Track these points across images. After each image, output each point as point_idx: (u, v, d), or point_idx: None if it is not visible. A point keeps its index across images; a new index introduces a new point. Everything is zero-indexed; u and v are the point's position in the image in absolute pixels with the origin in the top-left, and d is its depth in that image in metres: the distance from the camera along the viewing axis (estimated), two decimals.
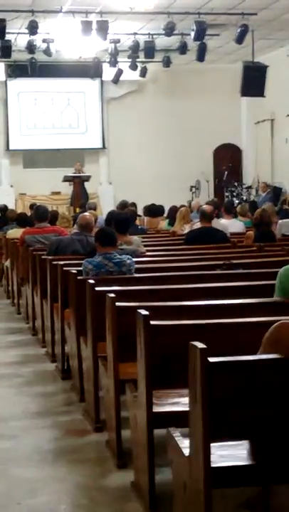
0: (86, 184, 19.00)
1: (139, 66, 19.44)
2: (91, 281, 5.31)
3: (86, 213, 9.08)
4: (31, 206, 14.67)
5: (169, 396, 4.03)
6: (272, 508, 3.69)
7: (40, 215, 9.44)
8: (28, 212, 13.88)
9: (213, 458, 2.94)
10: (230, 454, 3.15)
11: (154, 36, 17.21)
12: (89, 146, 21.63)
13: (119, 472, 4.38)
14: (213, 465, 2.93)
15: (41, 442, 4.96)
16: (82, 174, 19.03)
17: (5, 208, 15.71)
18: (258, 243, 8.43)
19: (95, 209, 13.54)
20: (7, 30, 15.37)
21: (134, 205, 13.96)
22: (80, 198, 18.00)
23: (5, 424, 5.39)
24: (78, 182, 18.59)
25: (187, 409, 3.09)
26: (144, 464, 3.85)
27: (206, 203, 11.22)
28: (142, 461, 3.91)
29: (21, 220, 11.58)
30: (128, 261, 5.99)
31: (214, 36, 17.17)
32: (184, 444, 3.19)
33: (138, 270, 6.12)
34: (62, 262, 6.78)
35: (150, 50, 17.46)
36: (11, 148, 21.14)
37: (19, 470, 4.48)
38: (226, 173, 21.33)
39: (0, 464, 4.58)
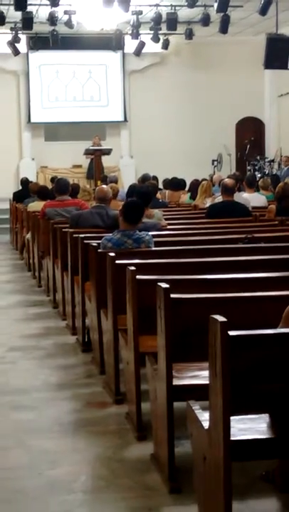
0: (107, 157, 18.94)
1: (162, 38, 19.29)
2: (111, 254, 5.30)
3: (104, 186, 9.06)
4: (52, 179, 14.66)
5: (189, 369, 4.03)
6: None
7: (61, 188, 9.43)
8: (49, 185, 13.90)
9: (232, 431, 2.94)
10: (249, 427, 3.15)
11: (177, 8, 17.06)
12: (110, 119, 21.54)
13: (138, 444, 4.40)
14: (232, 438, 2.93)
15: (62, 414, 4.99)
16: (102, 147, 18.96)
17: (26, 180, 15.74)
18: (279, 217, 8.37)
19: (116, 182, 13.51)
20: (29, 2, 15.28)
21: (155, 178, 13.91)
22: (101, 172, 17.97)
23: (26, 395, 5.43)
24: (99, 155, 18.53)
25: (207, 382, 3.09)
26: (163, 436, 3.86)
27: (228, 177, 11.15)
28: (161, 434, 3.93)
29: (42, 193, 11.58)
30: (147, 237, 5.95)
31: (237, 8, 16.96)
32: (204, 417, 3.20)
33: (159, 244, 6.10)
34: (82, 235, 6.78)
35: (172, 22, 17.30)
36: (32, 121, 21.10)
37: (40, 441, 4.51)
38: (248, 146, 21.18)
39: (21, 435, 4.62)
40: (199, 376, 3.88)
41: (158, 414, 4.01)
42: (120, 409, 4.99)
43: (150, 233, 6.12)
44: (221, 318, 2.92)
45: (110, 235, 6.00)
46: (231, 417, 2.93)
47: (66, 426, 4.78)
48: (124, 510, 3.60)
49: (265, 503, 3.63)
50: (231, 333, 2.90)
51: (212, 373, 3.00)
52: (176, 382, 3.83)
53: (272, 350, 3.01)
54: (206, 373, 3.14)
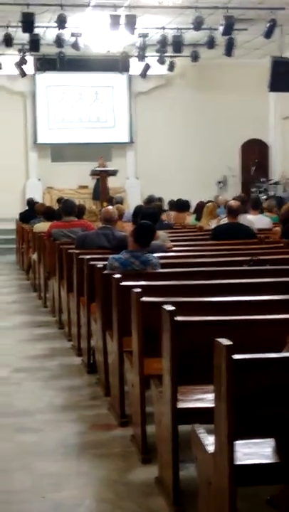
0: (113, 178, 19.02)
1: (167, 60, 19.42)
2: (117, 276, 5.31)
3: (109, 207, 9.10)
4: (58, 200, 14.71)
5: (194, 392, 4.02)
6: None
7: (67, 209, 9.47)
8: (55, 206, 13.94)
9: (237, 455, 2.93)
10: (254, 451, 3.14)
11: (183, 31, 17.18)
12: (116, 140, 21.65)
13: (143, 467, 4.39)
14: (237, 462, 2.93)
15: (66, 436, 4.98)
16: (108, 168, 19.05)
17: (32, 201, 15.80)
18: (284, 239, 8.38)
19: (121, 203, 13.55)
20: (36, 24, 15.42)
21: (160, 199, 13.96)
22: (107, 193, 18.03)
23: (30, 417, 5.42)
24: (105, 176, 18.61)
25: (212, 405, 3.08)
26: (168, 459, 3.85)
27: (233, 199, 11.17)
28: (166, 457, 3.91)
29: (48, 214, 11.62)
30: (154, 260, 5.97)
31: (242, 31, 17.09)
32: (209, 441, 3.19)
33: (164, 265, 6.11)
34: (88, 256, 6.80)
35: (178, 45, 17.43)
36: (39, 141, 21.23)
37: (44, 464, 4.50)
38: (253, 168, 21.25)
39: (25, 458, 4.61)
40: (204, 399, 3.87)
41: (163, 437, 4.00)
42: (125, 431, 4.98)
43: (156, 255, 6.13)
44: (225, 342, 2.92)
45: (118, 255, 6.01)
46: (236, 441, 2.93)
47: (71, 448, 4.77)
48: None
49: None
50: (236, 356, 2.90)
51: (217, 397, 3.00)
52: (180, 405, 3.82)
53: (278, 374, 3.01)
54: (211, 396, 3.14)
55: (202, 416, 3.53)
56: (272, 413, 3.03)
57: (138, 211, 9.04)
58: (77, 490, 4.10)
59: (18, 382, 6.41)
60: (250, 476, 3.06)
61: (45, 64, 19.87)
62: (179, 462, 3.81)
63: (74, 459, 4.58)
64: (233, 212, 8.89)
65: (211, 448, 3.12)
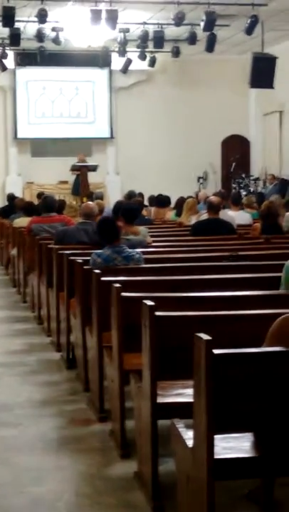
0: (93, 174, 18.98)
1: (148, 56, 19.37)
2: (97, 271, 5.30)
3: (90, 202, 9.08)
4: (39, 195, 14.66)
5: (174, 387, 4.03)
6: (276, 501, 3.69)
7: (47, 205, 9.45)
8: (36, 201, 13.87)
9: (216, 450, 2.94)
10: (233, 446, 3.16)
11: (164, 26, 17.14)
12: (97, 135, 21.60)
13: (122, 462, 4.39)
14: (216, 457, 2.94)
15: (45, 431, 4.97)
16: (89, 164, 19.00)
17: (12, 196, 15.72)
18: (264, 235, 8.41)
19: (102, 198, 13.52)
20: (16, 18, 15.33)
21: (141, 195, 13.95)
22: (87, 188, 17.99)
23: (9, 412, 5.40)
24: (85, 171, 18.57)
25: (191, 400, 3.09)
26: (147, 454, 3.86)
27: (213, 194, 11.20)
28: (145, 452, 3.92)
29: (28, 209, 11.57)
30: (137, 255, 5.96)
31: (224, 27, 17.08)
32: (188, 436, 3.20)
33: (144, 261, 6.10)
34: (68, 252, 6.78)
35: (159, 40, 17.40)
36: (19, 136, 21.14)
37: (23, 458, 4.49)
38: (234, 164, 21.28)
39: (4, 452, 4.60)
40: (184, 394, 3.88)
41: (142, 432, 4.01)
42: (104, 426, 4.98)
43: (138, 250, 6.13)
44: (205, 337, 2.93)
45: (100, 250, 6.00)
46: (215, 436, 2.94)
47: (50, 443, 4.76)
48: None
49: None
50: (216, 351, 2.91)
51: (196, 391, 3.01)
52: (160, 400, 3.83)
53: (257, 369, 3.02)
54: (190, 391, 3.15)
55: (181, 411, 3.55)
56: (251, 408, 3.04)
57: (118, 207, 9.04)
58: (56, 484, 4.10)
59: None
60: (228, 470, 3.08)
61: (26, 58, 19.79)
62: (158, 457, 3.82)
63: (53, 454, 4.58)
64: (213, 208, 8.90)
65: (190, 442, 3.13)
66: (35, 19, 15.54)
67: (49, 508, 3.81)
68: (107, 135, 21.69)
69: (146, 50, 18.74)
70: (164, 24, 17.00)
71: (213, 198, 9.26)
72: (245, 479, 3.60)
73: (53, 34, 17.09)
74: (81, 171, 18.54)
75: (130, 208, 7.69)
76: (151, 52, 19.12)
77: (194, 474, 3.07)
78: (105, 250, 5.94)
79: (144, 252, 6.43)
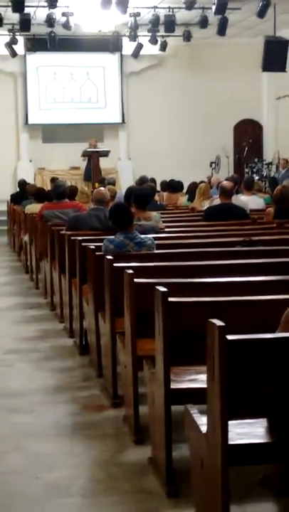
0: (105, 159, 18.94)
1: (159, 40, 19.27)
2: (109, 257, 5.30)
3: (101, 188, 9.06)
4: (52, 179, 14.63)
5: (187, 373, 4.02)
6: None
7: (59, 193, 9.44)
8: (48, 186, 13.84)
9: (230, 435, 2.93)
10: (247, 431, 3.15)
11: (175, 10, 17.05)
12: (108, 120, 21.52)
13: (136, 448, 4.40)
14: (230, 442, 2.93)
15: (59, 417, 4.98)
16: (100, 149, 18.96)
17: (24, 182, 15.72)
18: (277, 220, 8.37)
19: (114, 184, 13.50)
20: (26, 4, 15.26)
21: (153, 180, 13.91)
22: (99, 174, 17.96)
23: (23, 398, 5.42)
24: (96, 157, 18.53)
25: (205, 386, 3.08)
26: (161, 439, 3.86)
27: (226, 179, 11.15)
28: (159, 437, 3.92)
29: (39, 195, 11.57)
30: (149, 241, 5.94)
31: (235, 10, 16.95)
32: (202, 421, 3.19)
33: (157, 246, 6.09)
34: (80, 238, 6.77)
35: (170, 24, 17.31)
36: (30, 122, 21.09)
37: (37, 444, 4.51)
38: (246, 149, 21.17)
39: (18, 439, 4.61)
40: (197, 380, 3.87)
41: (156, 417, 4.00)
42: (118, 412, 4.98)
43: (151, 236, 6.11)
44: (218, 323, 2.91)
45: (112, 236, 5.98)
46: (229, 422, 2.93)
47: (63, 429, 4.77)
48: None
49: (263, 507, 3.63)
50: (229, 337, 2.90)
51: (210, 377, 3.00)
52: (173, 385, 3.82)
53: (271, 355, 3.01)
54: (203, 377, 3.14)
55: (195, 396, 3.54)
56: (265, 393, 3.03)
57: (130, 192, 9.01)
58: (70, 470, 4.11)
59: (11, 363, 6.41)
60: (243, 456, 3.07)
61: (36, 44, 19.70)
62: (172, 442, 3.82)
63: (67, 440, 4.59)
64: (226, 193, 8.86)
65: (203, 428, 3.12)
66: (45, 4, 15.48)
67: (63, 493, 3.82)
68: (119, 120, 21.62)
69: (158, 34, 18.63)
70: (175, 8, 16.90)
71: (225, 183, 9.21)
72: (259, 465, 3.60)
73: (63, 19, 17.01)
74: (92, 157, 18.50)
75: (142, 194, 7.66)
76: (163, 36, 19.00)
77: (208, 460, 3.06)
78: (117, 236, 5.93)
79: (156, 238, 6.41)
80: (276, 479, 3.67)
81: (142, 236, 5.95)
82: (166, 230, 7.74)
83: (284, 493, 3.65)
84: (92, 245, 6.07)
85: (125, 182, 18.59)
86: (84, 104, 21.34)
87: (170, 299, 3.80)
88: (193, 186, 12.48)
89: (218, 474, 2.93)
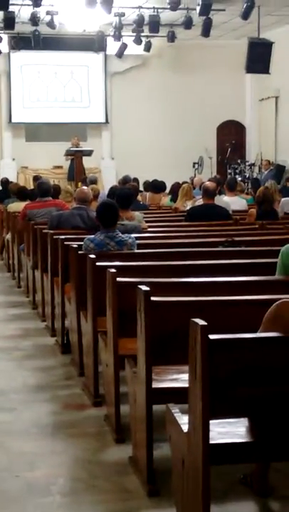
0: (88, 159, 18.91)
1: (144, 40, 19.27)
2: (92, 256, 5.29)
3: (84, 187, 9.04)
4: (35, 178, 14.60)
5: (169, 372, 4.03)
6: (270, 486, 3.71)
7: (43, 190, 9.41)
8: (31, 185, 13.79)
9: (211, 434, 2.94)
10: (228, 431, 3.16)
11: (159, 10, 17.06)
12: (92, 120, 21.50)
13: (117, 446, 4.40)
14: (211, 442, 2.94)
15: (40, 416, 4.97)
16: (83, 148, 18.93)
17: (6, 181, 15.67)
18: (260, 221, 8.41)
19: (95, 183, 13.47)
20: (11, 2, 15.20)
21: (136, 180, 13.91)
22: (82, 173, 17.93)
23: (4, 397, 5.40)
24: (80, 156, 18.50)
25: (186, 385, 3.09)
26: (142, 439, 3.86)
27: (209, 180, 11.17)
28: (140, 436, 3.92)
29: (21, 194, 11.55)
30: (130, 240, 5.95)
31: (220, 11, 17.00)
32: (183, 421, 3.20)
33: (139, 246, 6.10)
34: (63, 237, 6.77)
35: (155, 25, 17.31)
36: (13, 121, 21.02)
37: (18, 443, 4.49)
38: (229, 150, 21.23)
39: None
40: (179, 379, 3.88)
41: (137, 416, 4.01)
42: (99, 411, 4.98)
43: (132, 235, 6.11)
44: (201, 322, 2.92)
45: (93, 236, 5.98)
46: (210, 421, 2.93)
47: (44, 428, 4.76)
48: None
49: (243, 506, 3.64)
50: (211, 336, 2.91)
51: (192, 377, 3.00)
52: (155, 385, 3.83)
53: (252, 355, 3.02)
54: (185, 376, 3.15)
55: (177, 396, 3.54)
56: (246, 393, 3.04)
57: (113, 192, 9.02)
58: (51, 469, 4.11)
59: None
60: (224, 455, 3.08)
61: (20, 42, 19.61)
62: (153, 441, 3.82)
63: (48, 439, 4.58)
64: (209, 194, 8.88)
65: (185, 427, 3.13)
66: (30, 2, 15.43)
67: (44, 492, 3.81)
68: (102, 120, 21.60)
69: (142, 34, 18.63)
70: (160, 8, 16.92)
71: (208, 184, 9.24)
72: (240, 464, 3.61)
73: (48, 18, 16.98)
74: (76, 156, 18.47)
75: (125, 193, 7.67)
76: (147, 36, 19.02)
77: (189, 459, 3.07)
78: (98, 235, 5.93)
79: (139, 238, 6.42)
80: (256, 478, 3.69)
81: (123, 235, 5.96)
82: (149, 229, 7.76)
83: (264, 493, 3.67)
84: (74, 244, 6.06)
85: (108, 182, 18.58)
86: (68, 104, 21.30)
87: (152, 298, 3.80)
88: (176, 187, 12.50)
89: (199, 473, 2.93)
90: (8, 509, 3.65)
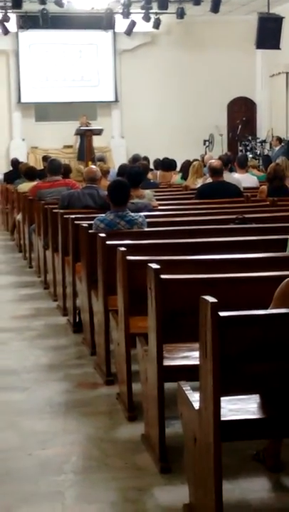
0: (98, 138, 18.84)
1: (153, 17, 19.13)
2: (102, 235, 5.28)
3: (92, 166, 9.01)
4: (44, 158, 14.57)
5: (180, 350, 4.03)
6: (282, 462, 3.71)
7: (54, 168, 9.37)
8: (41, 165, 13.75)
9: (222, 411, 2.94)
10: (240, 407, 3.16)
11: None
12: (101, 99, 21.41)
13: (129, 425, 4.41)
14: (222, 418, 2.93)
15: (52, 395, 4.99)
16: (93, 127, 18.85)
17: (17, 161, 15.65)
18: (271, 198, 8.36)
19: (103, 161, 13.43)
20: None
21: (146, 159, 13.86)
22: (92, 152, 17.87)
23: (17, 376, 5.42)
24: (90, 135, 18.43)
25: (197, 363, 3.08)
26: (154, 416, 3.87)
27: (219, 158, 11.09)
28: (152, 414, 3.93)
29: (29, 174, 11.54)
30: (140, 219, 5.92)
31: None
32: (194, 398, 3.20)
33: (150, 224, 6.08)
34: (73, 216, 6.76)
35: (164, 1, 17.19)
36: (22, 101, 20.96)
37: (31, 422, 4.51)
38: (240, 126, 21.11)
39: (12, 416, 4.62)
40: (190, 357, 3.88)
41: (149, 394, 4.01)
42: (111, 389, 5.00)
43: (142, 214, 6.09)
44: (211, 299, 2.91)
45: (103, 215, 5.96)
46: (222, 398, 2.93)
47: (57, 407, 4.78)
48: (115, 491, 3.61)
49: (255, 482, 3.64)
50: (222, 313, 2.90)
51: (202, 354, 3.00)
52: (166, 362, 3.83)
53: (263, 331, 3.01)
54: (196, 354, 3.14)
55: (188, 373, 3.55)
56: (257, 370, 3.03)
57: (123, 170, 8.97)
58: (63, 447, 4.12)
59: (5, 342, 6.41)
60: (235, 432, 3.08)
61: (28, 21, 19.50)
62: (165, 419, 3.83)
63: (60, 418, 4.59)
64: (216, 172, 8.82)
65: (196, 405, 3.13)
66: None
67: (57, 470, 3.83)
68: (112, 98, 21.50)
69: (151, 11, 18.50)
70: None
71: (213, 163, 9.12)
72: (252, 440, 3.61)
73: None
74: (86, 135, 18.39)
75: (135, 172, 7.63)
76: (156, 13, 18.87)
77: (201, 436, 3.07)
78: (108, 215, 5.91)
79: (149, 216, 6.40)
80: (268, 455, 3.69)
81: (133, 214, 5.93)
82: (160, 208, 7.73)
83: (276, 469, 3.67)
84: (84, 223, 6.05)
85: (118, 161, 18.50)
86: (77, 83, 21.21)
87: (162, 276, 3.79)
88: (187, 164, 12.44)
89: (210, 450, 2.93)
90: (21, 487, 3.67)
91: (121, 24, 19.75)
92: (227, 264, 4.45)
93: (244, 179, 10.41)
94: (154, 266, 3.83)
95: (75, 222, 6.50)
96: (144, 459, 3.91)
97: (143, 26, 19.46)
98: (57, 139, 20.41)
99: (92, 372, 5.44)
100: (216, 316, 2.88)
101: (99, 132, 18.51)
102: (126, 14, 18.41)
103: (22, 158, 17.89)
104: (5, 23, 18.88)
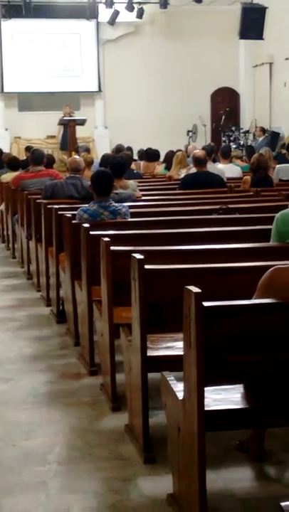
0: (82, 128, 18.77)
1: (136, 7, 19.09)
2: (86, 225, 5.27)
3: (76, 156, 8.98)
4: (27, 148, 14.50)
5: (163, 340, 4.03)
6: (265, 451, 3.72)
7: (36, 158, 9.33)
8: (24, 155, 13.69)
9: (206, 401, 2.94)
10: (223, 397, 3.16)
11: None
12: (84, 89, 21.31)
13: (113, 415, 4.41)
14: (206, 408, 2.94)
15: (36, 385, 4.98)
16: (77, 118, 18.78)
17: (0, 151, 15.55)
18: (254, 188, 8.38)
19: (88, 151, 13.39)
20: None
21: (129, 149, 13.84)
22: (75, 142, 17.80)
23: (0, 367, 5.41)
24: (73, 126, 18.36)
25: (181, 353, 3.09)
26: (138, 407, 3.87)
27: (202, 148, 11.09)
28: (136, 404, 3.93)
29: (13, 164, 11.49)
30: (123, 209, 5.91)
31: None
32: (178, 388, 3.20)
33: (133, 214, 6.07)
34: (56, 206, 6.73)
35: None
36: (5, 90, 20.84)
37: (14, 412, 4.51)
38: (223, 117, 21.11)
39: None
40: (174, 347, 3.88)
41: (132, 385, 4.01)
42: (95, 380, 5.00)
43: (125, 204, 6.08)
44: (195, 289, 2.91)
45: (86, 206, 5.95)
46: (206, 388, 2.93)
47: (41, 397, 4.77)
48: (99, 481, 3.61)
49: (239, 472, 3.66)
50: (206, 304, 2.90)
51: (186, 344, 3.00)
52: (150, 353, 3.83)
53: (247, 321, 3.01)
54: (180, 344, 3.14)
55: (171, 363, 3.55)
56: (241, 360, 3.04)
57: (106, 161, 8.96)
58: (47, 438, 4.12)
59: None
60: (219, 422, 3.09)
61: (11, 11, 19.37)
62: (149, 409, 3.83)
63: (44, 408, 4.59)
64: (200, 162, 8.82)
65: (180, 395, 3.13)
66: None
67: (40, 461, 3.82)
68: (95, 88, 21.41)
69: (134, 1, 18.46)
70: None
71: (197, 153, 9.12)
72: (235, 430, 3.62)
73: None
74: (69, 125, 18.32)
75: (118, 162, 7.62)
76: (139, 3, 18.84)
77: (185, 426, 3.07)
78: (91, 205, 5.89)
79: (133, 206, 6.39)
80: (252, 444, 3.71)
81: (116, 204, 5.93)
82: (143, 198, 7.72)
83: (260, 458, 3.69)
84: (68, 214, 6.03)
85: (102, 151, 18.41)
86: (60, 72, 21.10)
87: (146, 267, 3.79)
88: (170, 155, 12.43)
89: (194, 440, 2.94)
90: (4, 478, 3.67)
91: (104, 14, 19.69)
92: (211, 255, 4.45)
93: (227, 169, 10.42)
94: (138, 256, 3.83)
95: (59, 212, 6.48)
96: (128, 449, 3.92)
97: (126, 16, 19.41)
98: (40, 129, 20.31)
99: (75, 363, 5.44)
100: (200, 306, 2.88)
101: (82, 122, 18.44)
102: (109, 4, 18.36)
103: (5, 149, 17.79)
104: None
